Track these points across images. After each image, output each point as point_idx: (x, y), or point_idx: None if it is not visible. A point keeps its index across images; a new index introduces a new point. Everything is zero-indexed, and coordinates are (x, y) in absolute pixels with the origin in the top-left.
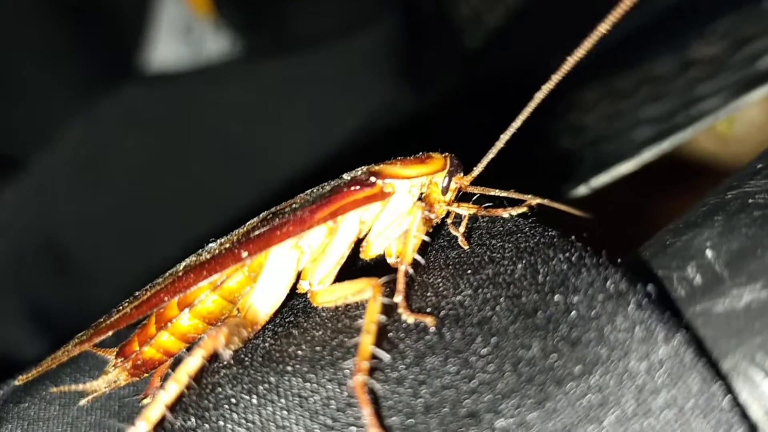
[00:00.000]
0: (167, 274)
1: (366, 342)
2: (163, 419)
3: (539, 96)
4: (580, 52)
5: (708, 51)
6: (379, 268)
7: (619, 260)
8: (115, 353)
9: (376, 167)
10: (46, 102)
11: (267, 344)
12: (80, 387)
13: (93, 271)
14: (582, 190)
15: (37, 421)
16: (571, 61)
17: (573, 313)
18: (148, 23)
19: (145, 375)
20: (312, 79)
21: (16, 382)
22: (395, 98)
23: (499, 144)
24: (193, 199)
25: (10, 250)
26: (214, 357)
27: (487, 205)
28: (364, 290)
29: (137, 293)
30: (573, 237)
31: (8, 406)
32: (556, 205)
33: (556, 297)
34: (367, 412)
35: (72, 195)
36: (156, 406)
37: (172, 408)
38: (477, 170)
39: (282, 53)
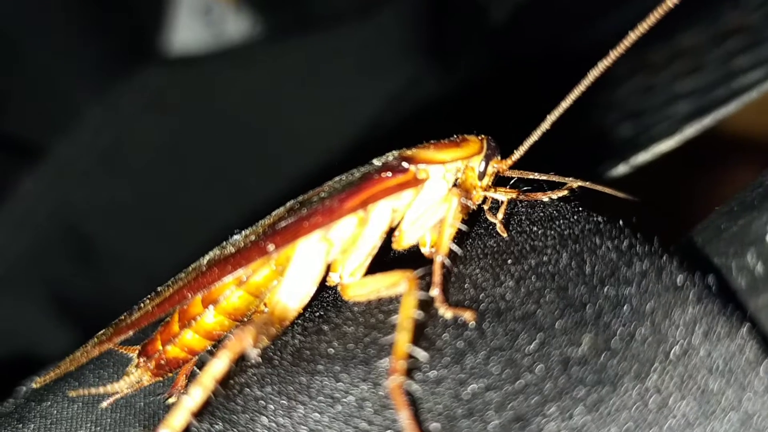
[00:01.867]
0: (190, 268)
1: (402, 340)
2: (188, 426)
3: (594, 73)
4: (648, 21)
5: (744, 21)
6: (413, 259)
7: (672, 248)
8: (137, 352)
9: (409, 152)
10: (66, 87)
11: (297, 341)
12: (101, 390)
13: (116, 257)
14: (621, 169)
15: (60, 420)
16: (634, 35)
17: (626, 307)
18: (167, 6)
19: (169, 375)
20: (335, 58)
21: (34, 385)
22: (420, 76)
23: (545, 125)
24: (216, 183)
25: (33, 237)
26: (242, 357)
27: (525, 189)
28: (398, 283)
29: (159, 289)
30: (621, 222)
31: (30, 405)
32: (598, 187)
33: (606, 289)
34: (404, 416)
35: (94, 181)
36: (180, 413)
37: (198, 411)
38: (518, 153)
39: (304, 33)
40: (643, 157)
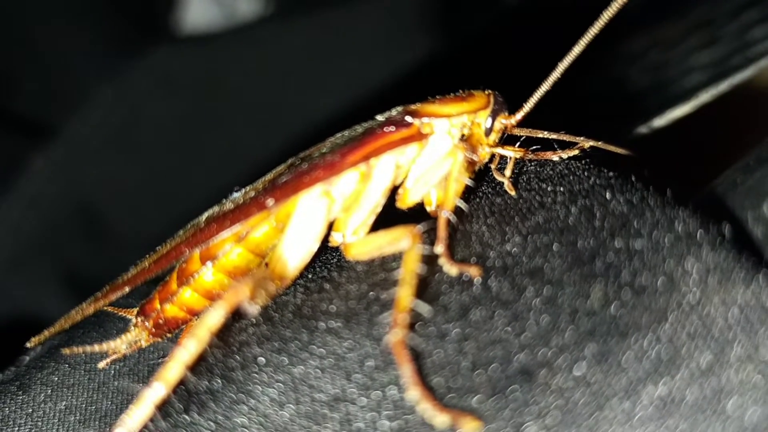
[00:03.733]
0: (189, 225)
1: (404, 294)
2: (184, 379)
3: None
4: None
5: None
6: (419, 219)
7: (686, 199)
8: (136, 312)
9: (413, 106)
10: (77, 66)
11: (298, 300)
12: (96, 348)
13: (128, 236)
14: (643, 130)
15: (62, 387)
16: None
17: (636, 258)
18: None
19: (168, 335)
20: (344, 35)
21: (28, 345)
22: (431, 49)
23: (550, 81)
24: (227, 161)
25: (44, 217)
26: (241, 315)
27: (535, 147)
28: (401, 239)
29: (158, 248)
30: (633, 177)
31: (31, 372)
32: (611, 147)
33: (617, 242)
34: (406, 370)
35: (105, 160)
36: (174, 366)
37: (195, 368)
38: (525, 109)
39: (313, 10)
40: (658, 122)
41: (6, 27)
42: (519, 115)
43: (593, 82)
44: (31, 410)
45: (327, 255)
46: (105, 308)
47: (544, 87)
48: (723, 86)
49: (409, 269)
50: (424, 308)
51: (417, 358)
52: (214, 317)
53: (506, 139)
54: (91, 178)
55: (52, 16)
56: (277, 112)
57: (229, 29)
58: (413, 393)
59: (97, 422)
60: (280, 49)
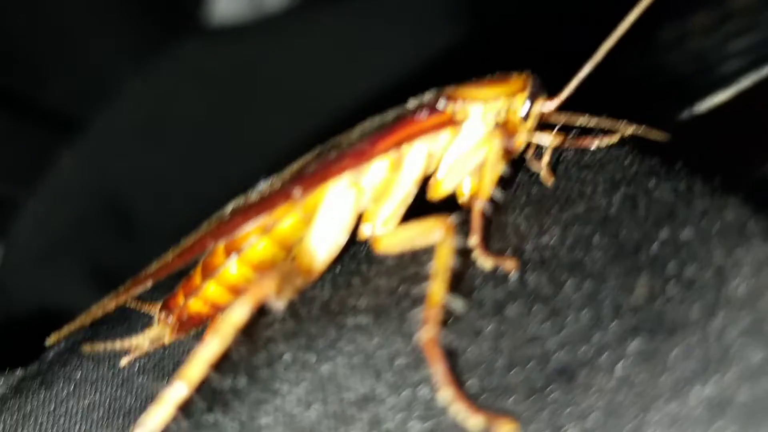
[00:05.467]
0: (213, 218)
1: (436, 289)
2: (208, 378)
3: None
4: None
5: None
6: (451, 210)
7: (735, 187)
8: (159, 307)
9: (446, 90)
10: (105, 60)
11: (326, 295)
12: (119, 345)
13: (160, 231)
14: (684, 116)
15: (85, 382)
16: None
17: (684, 249)
18: None
19: (193, 331)
20: (373, 19)
21: (47, 342)
22: (461, 33)
23: (591, 63)
24: (257, 154)
25: (73, 211)
26: (266, 311)
27: (573, 135)
28: (433, 230)
29: (182, 241)
30: (679, 164)
31: (54, 368)
32: (654, 133)
33: (662, 232)
34: (438, 369)
35: (134, 153)
36: (196, 364)
37: (219, 366)
38: (565, 92)
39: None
40: (700, 108)
41: (35, 20)
42: (558, 99)
43: (630, 69)
44: (53, 407)
45: (356, 248)
46: (129, 304)
47: (586, 70)
48: (765, 71)
49: (442, 263)
50: (458, 304)
51: (450, 356)
52: (239, 313)
53: (542, 127)
54: (120, 171)
55: (80, 10)
56: (306, 102)
57: (256, 21)
58: (446, 393)
59: (120, 419)
60: (308, 38)
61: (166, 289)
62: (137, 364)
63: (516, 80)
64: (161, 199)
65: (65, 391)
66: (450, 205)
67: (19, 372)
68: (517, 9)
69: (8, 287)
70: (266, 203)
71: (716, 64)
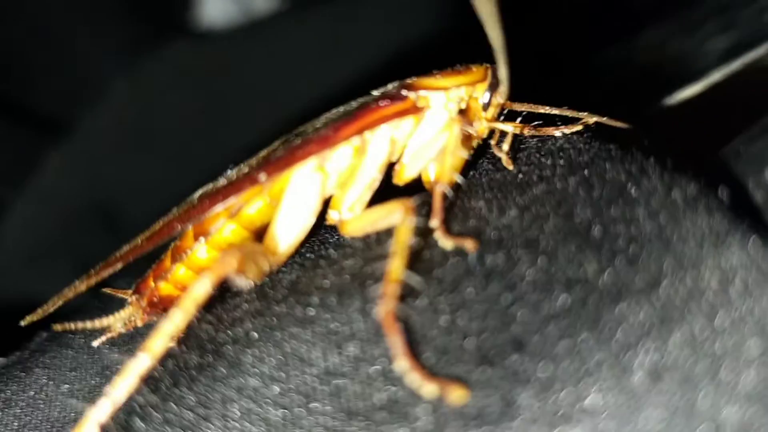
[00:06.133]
0: (182, 203)
1: (395, 266)
2: (174, 355)
3: None
4: None
5: None
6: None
7: (685, 168)
8: (131, 291)
9: (409, 80)
10: (93, 62)
11: (293, 276)
12: (88, 325)
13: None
14: (652, 110)
15: (64, 370)
16: None
17: (633, 226)
18: None
19: (163, 313)
20: (362, 26)
21: (21, 323)
22: (448, 35)
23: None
24: (244, 155)
25: (61, 213)
26: (236, 293)
27: (536, 123)
28: (393, 212)
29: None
30: (633, 148)
31: (35, 355)
32: (616, 123)
33: (613, 210)
34: (395, 341)
35: (121, 155)
36: (159, 337)
37: (187, 344)
38: (504, 80)
39: (328, 2)
40: (669, 102)
41: (22, 22)
42: (505, 87)
43: (606, 65)
44: (32, 392)
45: (326, 234)
46: (104, 290)
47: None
48: (735, 65)
49: (401, 241)
50: (416, 280)
51: (408, 330)
52: (200, 288)
53: (508, 115)
54: (107, 173)
55: (67, 12)
56: (295, 104)
57: (244, 24)
58: (402, 363)
59: None
60: (296, 41)
61: (138, 274)
62: (117, 353)
63: (477, 71)
64: (148, 199)
65: (44, 377)
66: (418, 190)
67: (1, 360)
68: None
69: None
70: (233, 188)
71: (691, 62)
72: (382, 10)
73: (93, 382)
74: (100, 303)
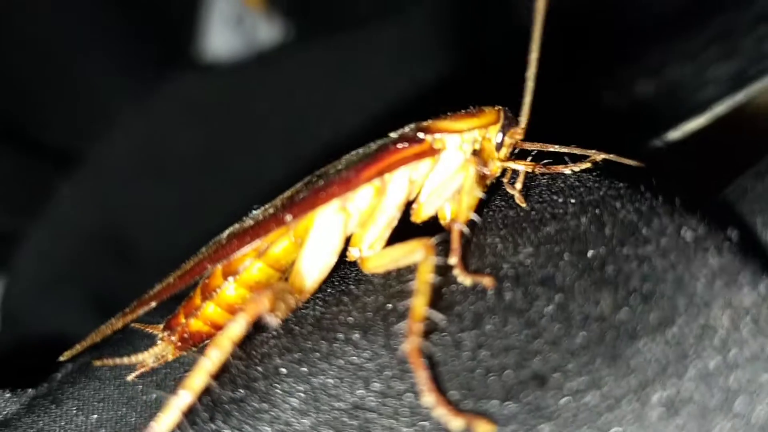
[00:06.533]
0: (211, 242)
1: (418, 304)
2: (209, 390)
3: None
4: None
5: None
6: (434, 233)
7: (694, 207)
8: (162, 327)
9: (425, 123)
10: (102, 94)
11: (317, 313)
12: (125, 360)
13: (158, 259)
14: (657, 143)
15: (92, 401)
16: None
17: (645, 264)
18: (200, 14)
19: (193, 349)
20: (363, 54)
21: (61, 358)
22: (447, 67)
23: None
24: (252, 186)
25: (73, 243)
26: (262, 328)
27: (546, 161)
28: (415, 251)
29: (182, 264)
30: (642, 186)
31: (64, 387)
32: (624, 160)
33: (626, 249)
34: (421, 377)
35: (132, 185)
36: (198, 374)
37: (220, 380)
38: (523, 120)
39: (332, 35)
40: (673, 135)
41: (33, 56)
42: (521, 127)
43: (609, 96)
44: (63, 422)
45: (345, 270)
46: (133, 326)
47: (528, 97)
48: (739, 97)
49: (423, 279)
50: (438, 317)
51: (433, 366)
52: (236, 328)
53: (519, 154)
54: (119, 203)
55: (77, 44)
56: (300, 134)
57: (250, 55)
58: (428, 398)
59: None
60: (301, 73)
61: (168, 311)
62: (141, 384)
63: (489, 113)
64: (159, 229)
65: (75, 409)
66: (434, 227)
67: (30, 391)
68: (499, 43)
69: (13, 316)
70: (260, 228)
71: (694, 91)
72: (386, 42)
73: (120, 412)
74: (120, 334)
